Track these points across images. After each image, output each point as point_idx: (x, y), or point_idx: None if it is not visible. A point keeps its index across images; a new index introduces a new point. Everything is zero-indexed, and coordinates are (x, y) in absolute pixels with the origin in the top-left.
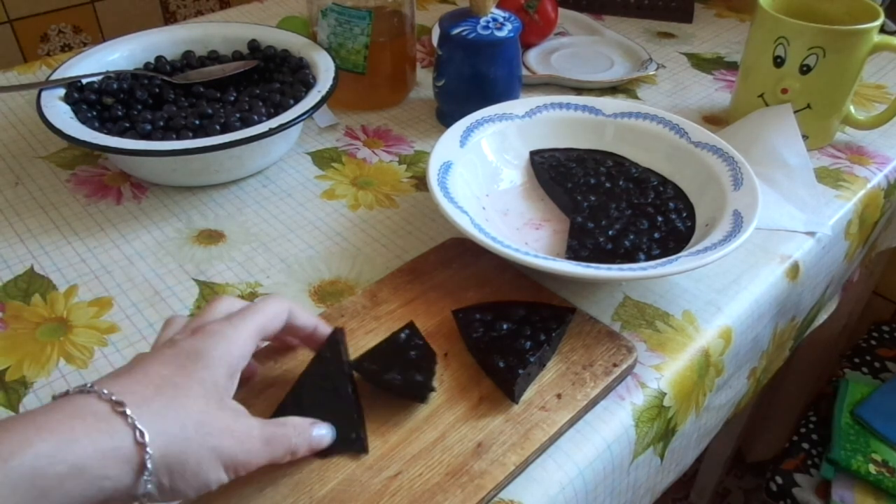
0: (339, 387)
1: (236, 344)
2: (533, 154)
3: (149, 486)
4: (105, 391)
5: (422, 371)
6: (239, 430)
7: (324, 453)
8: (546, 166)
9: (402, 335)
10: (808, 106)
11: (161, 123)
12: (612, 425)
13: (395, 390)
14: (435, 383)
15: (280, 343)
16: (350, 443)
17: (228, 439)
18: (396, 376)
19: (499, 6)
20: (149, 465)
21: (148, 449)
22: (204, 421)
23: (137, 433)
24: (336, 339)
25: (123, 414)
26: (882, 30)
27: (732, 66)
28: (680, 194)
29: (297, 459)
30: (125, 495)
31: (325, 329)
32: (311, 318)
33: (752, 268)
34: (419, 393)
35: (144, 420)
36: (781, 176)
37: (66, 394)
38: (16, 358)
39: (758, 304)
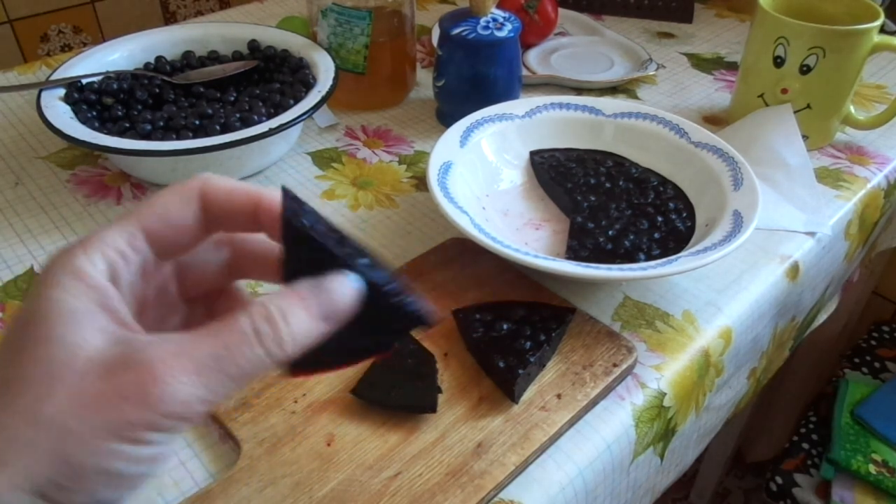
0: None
1: (88, 266)
2: (533, 154)
3: None
4: None
5: (423, 378)
6: (122, 387)
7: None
8: (546, 166)
9: (396, 344)
10: (808, 106)
11: (161, 123)
12: (612, 425)
13: (404, 409)
14: (440, 383)
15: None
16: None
17: (111, 401)
18: (401, 394)
19: (499, 6)
20: None
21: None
22: (46, 414)
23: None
24: (289, 197)
25: None
26: (882, 30)
27: (732, 67)
28: (680, 194)
29: (297, 458)
30: None
31: (270, 196)
32: (243, 186)
33: (752, 268)
34: (427, 403)
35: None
36: (781, 176)
37: None
38: None
39: (758, 304)
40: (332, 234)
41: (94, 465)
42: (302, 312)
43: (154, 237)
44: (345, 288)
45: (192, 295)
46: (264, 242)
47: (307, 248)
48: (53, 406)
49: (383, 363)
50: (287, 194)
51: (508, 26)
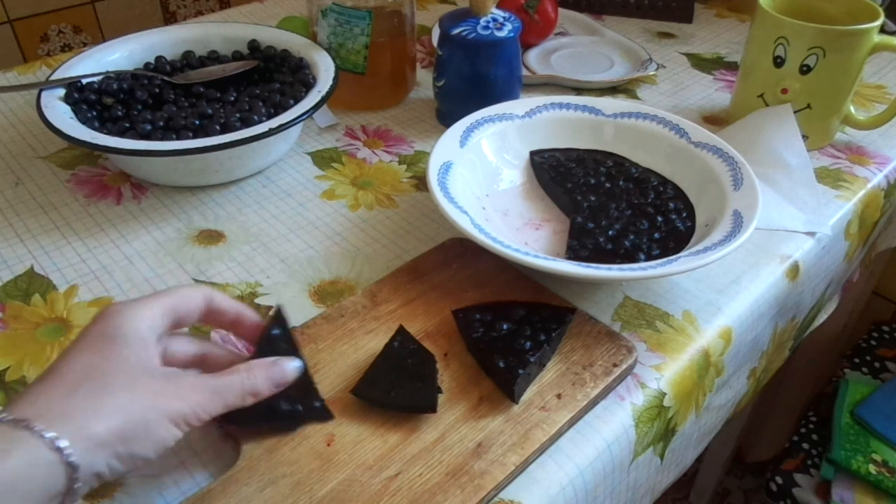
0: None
1: (141, 318)
2: (533, 154)
3: (78, 484)
4: (4, 415)
5: (424, 378)
6: (179, 388)
7: (292, 425)
8: (546, 166)
9: (395, 344)
10: (808, 106)
11: (161, 123)
12: (612, 425)
13: (403, 409)
14: (440, 383)
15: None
16: (315, 411)
17: (168, 399)
18: (401, 394)
19: (499, 6)
20: (75, 462)
21: (67, 451)
22: (136, 391)
23: (48, 440)
24: (279, 316)
25: (28, 428)
26: (882, 30)
27: (732, 67)
28: (680, 194)
29: (297, 458)
30: (73, 491)
31: (251, 314)
32: (233, 302)
33: (753, 268)
34: (427, 403)
35: (57, 425)
36: (781, 176)
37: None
38: (16, 358)
39: (758, 304)
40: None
41: (156, 433)
42: (264, 375)
43: (177, 312)
44: (292, 367)
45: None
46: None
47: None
48: (140, 388)
49: (384, 363)
50: (279, 313)
51: (508, 26)
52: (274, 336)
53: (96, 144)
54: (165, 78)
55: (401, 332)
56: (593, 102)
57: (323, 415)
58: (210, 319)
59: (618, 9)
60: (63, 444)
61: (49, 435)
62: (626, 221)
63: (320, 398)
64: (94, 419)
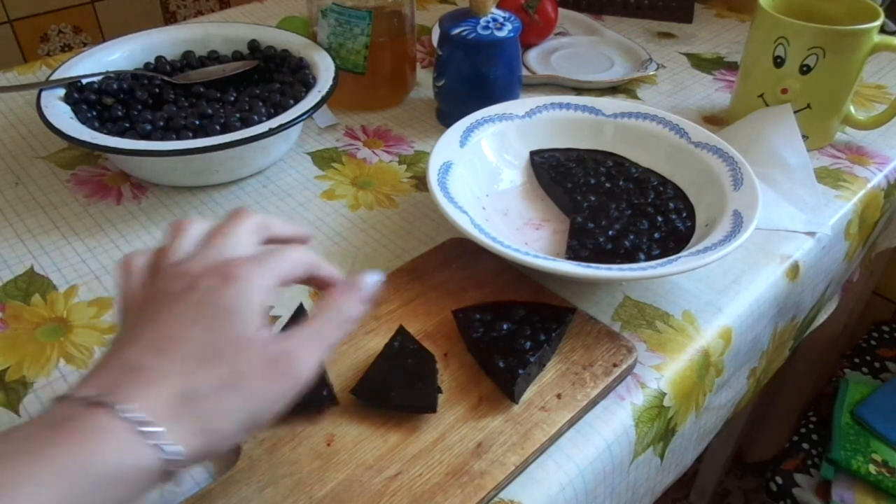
0: None
1: (262, 295)
2: (533, 154)
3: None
4: (124, 408)
5: (424, 378)
6: (295, 357)
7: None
8: (546, 166)
9: (396, 344)
10: (808, 106)
11: (161, 123)
12: (612, 425)
13: (403, 409)
14: (440, 383)
15: None
16: (321, 399)
17: (287, 379)
18: (401, 394)
19: (499, 6)
20: (177, 466)
21: (178, 459)
22: (255, 380)
23: (162, 453)
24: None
25: (147, 435)
26: (882, 30)
27: (732, 67)
28: (680, 194)
29: (297, 458)
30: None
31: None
32: (334, 271)
33: (752, 268)
34: (427, 403)
35: (180, 433)
36: (781, 176)
37: (69, 399)
38: (16, 358)
39: (758, 304)
40: None
41: (273, 410)
42: (352, 301)
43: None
44: (373, 279)
45: None
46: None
47: None
48: (260, 376)
49: (384, 363)
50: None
51: (508, 26)
52: None
53: (96, 144)
54: (165, 78)
55: (401, 332)
56: (593, 102)
57: (330, 401)
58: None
59: (618, 9)
60: (176, 453)
61: (172, 449)
62: (626, 221)
63: (329, 385)
64: (217, 421)
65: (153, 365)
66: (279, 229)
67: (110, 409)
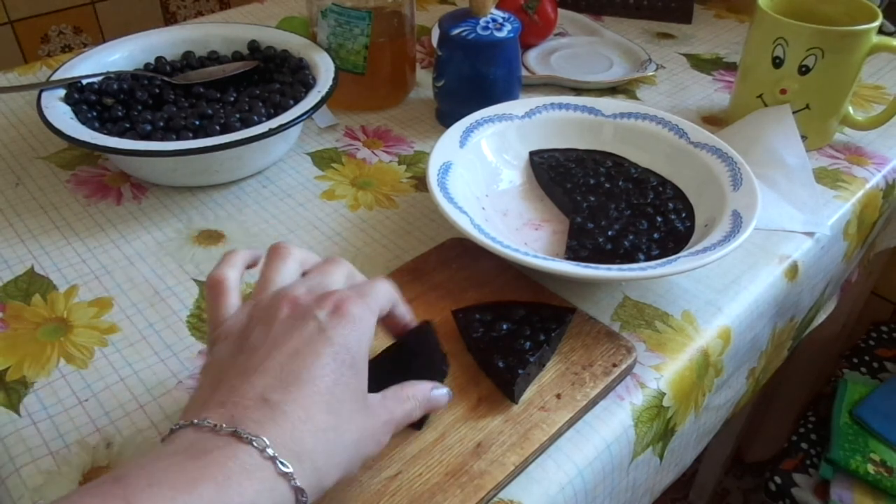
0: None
1: (371, 332)
2: (532, 154)
3: None
4: (264, 445)
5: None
6: (376, 431)
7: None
8: (545, 167)
9: (414, 338)
10: (807, 106)
11: (161, 124)
12: (612, 425)
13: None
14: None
15: None
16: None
17: (370, 446)
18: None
19: (498, 7)
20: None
21: (301, 493)
22: (360, 440)
23: (298, 492)
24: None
25: (285, 475)
26: (880, 31)
27: (731, 67)
28: (679, 195)
29: None
30: None
31: (414, 323)
32: (408, 310)
33: (752, 268)
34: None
35: (307, 473)
36: (780, 176)
37: (212, 429)
38: (16, 358)
39: (757, 304)
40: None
41: (353, 471)
42: (423, 405)
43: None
44: (443, 398)
45: None
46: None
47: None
48: (360, 436)
49: (392, 358)
50: (425, 326)
51: (508, 27)
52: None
53: (96, 144)
54: (165, 78)
55: (424, 328)
56: (593, 103)
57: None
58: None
59: (617, 9)
60: (305, 497)
61: (298, 484)
62: (625, 221)
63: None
64: (329, 477)
65: (282, 400)
66: (358, 277)
67: (248, 445)
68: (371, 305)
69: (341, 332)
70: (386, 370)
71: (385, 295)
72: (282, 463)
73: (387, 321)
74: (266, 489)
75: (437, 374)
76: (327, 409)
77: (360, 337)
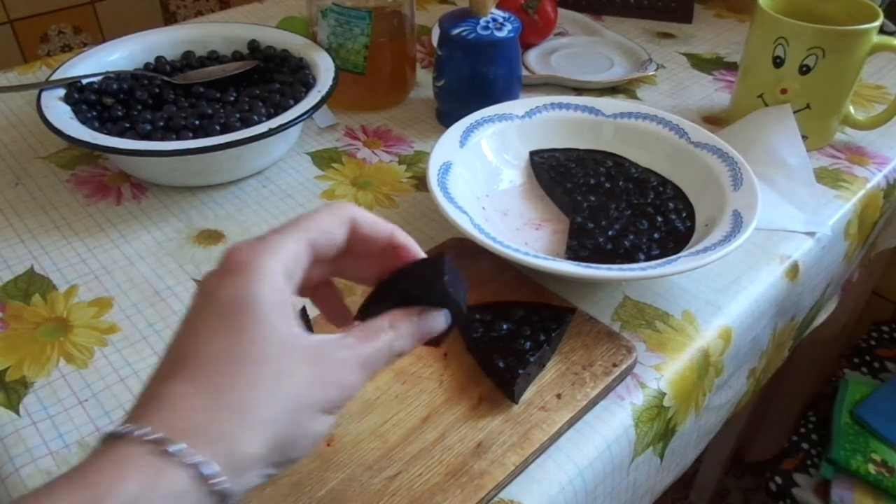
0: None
1: (275, 274)
2: (533, 154)
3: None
4: (143, 431)
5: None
6: (330, 370)
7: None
8: (546, 166)
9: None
10: (808, 106)
11: (161, 124)
12: (612, 425)
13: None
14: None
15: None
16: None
17: (321, 389)
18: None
19: (498, 6)
20: (227, 489)
21: (217, 479)
22: (284, 388)
23: (193, 471)
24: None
25: (170, 454)
26: (881, 30)
27: (732, 67)
28: (680, 194)
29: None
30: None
31: (405, 238)
32: (383, 222)
33: (752, 268)
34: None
35: (202, 446)
36: (781, 176)
37: (109, 437)
38: (16, 358)
39: (757, 304)
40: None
41: (312, 431)
42: (410, 332)
43: (315, 249)
44: (441, 320)
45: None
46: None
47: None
48: (290, 386)
49: (383, 292)
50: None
51: (508, 26)
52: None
53: (96, 144)
54: (165, 78)
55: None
56: (593, 102)
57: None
58: (354, 247)
59: (617, 9)
60: (211, 470)
61: (195, 459)
62: (625, 221)
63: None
64: (245, 440)
65: (171, 390)
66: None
67: (129, 436)
68: (275, 247)
69: (221, 285)
70: (377, 306)
71: (315, 222)
72: (160, 442)
73: (357, 248)
74: (153, 476)
75: (443, 303)
76: (221, 371)
77: (247, 282)
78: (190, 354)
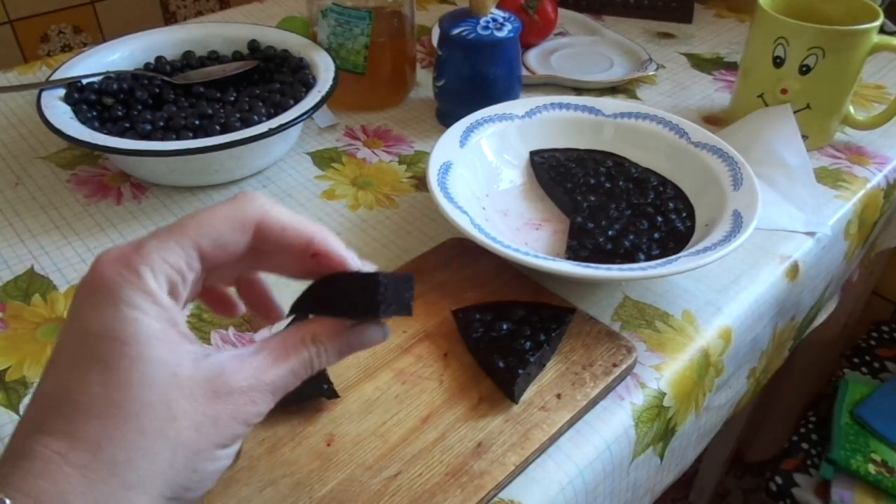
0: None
1: (155, 284)
2: (533, 154)
3: None
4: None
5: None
6: (226, 410)
7: (296, 396)
8: (546, 166)
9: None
10: (808, 106)
11: (161, 124)
12: (612, 425)
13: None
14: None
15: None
16: (320, 392)
17: (215, 429)
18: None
19: (499, 6)
20: None
21: None
22: (175, 431)
23: None
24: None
25: None
26: (881, 30)
27: (732, 67)
28: (680, 194)
29: (297, 458)
30: None
31: (327, 244)
32: (299, 227)
33: (752, 268)
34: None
35: None
36: (781, 176)
37: None
38: (16, 358)
39: (757, 304)
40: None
41: (213, 469)
42: (337, 348)
43: (206, 258)
44: (377, 339)
45: (220, 284)
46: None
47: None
48: (181, 430)
49: (311, 299)
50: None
51: (508, 26)
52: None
53: (96, 144)
54: (165, 78)
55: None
56: (593, 102)
57: (330, 394)
58: (263, 254)
59: (618, 9)
60: None
61: None
62: (625, 221)
63: (329, 381)
64: (134, 498)
65: (44, 447)
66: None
67: None
68: (148, 251)
69: (91, 311)
70: (311, 305)
71: (203, 223)
72: None
73: (270, 249)
74: None
75: (378, 307)
76: (99, 422)
77: (119, 307)
78: (63, 402)
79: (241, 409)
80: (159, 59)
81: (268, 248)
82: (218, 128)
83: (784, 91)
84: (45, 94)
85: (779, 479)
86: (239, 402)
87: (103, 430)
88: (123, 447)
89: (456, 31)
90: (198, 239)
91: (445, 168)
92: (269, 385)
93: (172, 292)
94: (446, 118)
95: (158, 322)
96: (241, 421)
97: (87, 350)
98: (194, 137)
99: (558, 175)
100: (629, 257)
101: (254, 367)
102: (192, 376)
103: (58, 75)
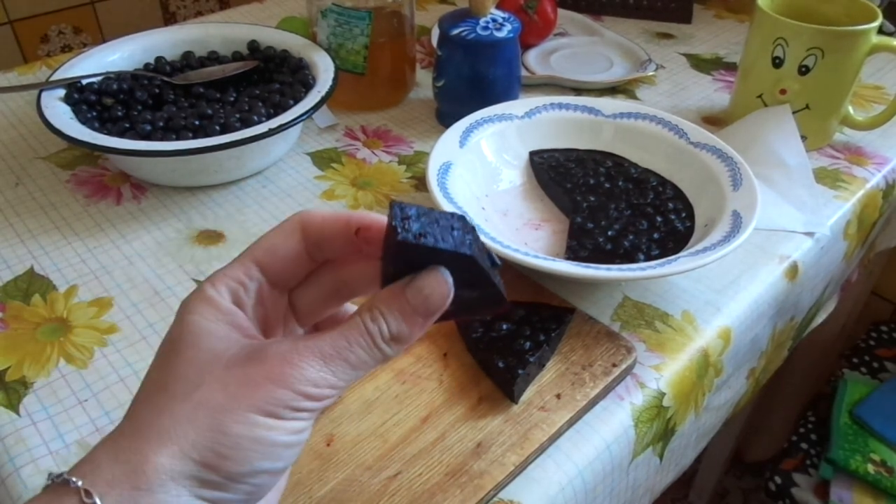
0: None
1: (215, 292)
2: (532, 154)
3: None
4: (74, 480)
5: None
6: (257, 370)
7: (467, 310)
8: (545, 167)
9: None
10: (807, 106)
11: (161, 124)
12: (612, 425)
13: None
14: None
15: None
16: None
17: (251, 387)
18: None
19: (498, 6)
20: None
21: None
22: (200, 392)
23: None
24: (396, 206)
25: (70, 486)
26: (880, 31)
27: (731, 67)
28: (679, 195)
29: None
30: None
31: (365, 217)
32: (336, 213)
33: (751, 268)
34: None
35: (107, 465)
36: (780, 176)
37: (51, 485)
38: (16, 358)
39: (757, 304)
40: (439, 227)
41: (247, 434)
42: (398, 314)
43: (266, 268)
44: (437, 286)
45: (308, 324)
46: (362, 267)
47: (408, 252)
48: (206, 391)
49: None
50: (394, 205)
51: (508, 27)
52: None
53: (96, 144)
54: (165, 78)
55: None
56: (593, 103)
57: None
58: (316, 251)
59: (617, 9)
60: (92, 500)
61: (79, 484)
62: (625, 222)
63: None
64: (152, 452)
65: (109, 437)
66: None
67: (65, 484)
68: (215, 274)
69: (172, 327)
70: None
71: (258, 241)
72: (86, 492)
73: (327, 252)
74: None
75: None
76: (143, 400)
77: (184, 316)
78: (133, 400)
79: (276, 369)
80: (159, 59)
81: (321, 248)
82: (218, 128)
83: (783, 91)
84: (45, 95)
85: (778, 479)
86: (274, 363)
87: (141, 403)
88: (148, 407)
89: (455, 32)
90: (252, 252)
91: (445, 168)
92: (309, 347)
93: (236, 300)
94: (446, 118)
95: (216, 323)
96: (280, 383)
97: (160, 353)
98: (194, 138)
99: (558, 175)
100: (629, 257)
101: (297, 337)
102: (235, 353)
103: (58, 76)
